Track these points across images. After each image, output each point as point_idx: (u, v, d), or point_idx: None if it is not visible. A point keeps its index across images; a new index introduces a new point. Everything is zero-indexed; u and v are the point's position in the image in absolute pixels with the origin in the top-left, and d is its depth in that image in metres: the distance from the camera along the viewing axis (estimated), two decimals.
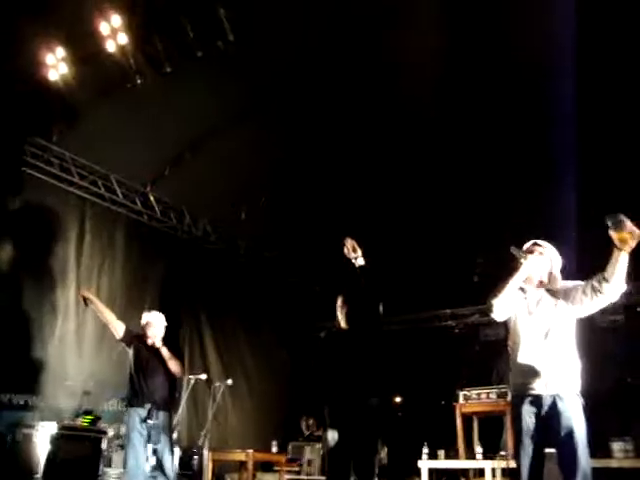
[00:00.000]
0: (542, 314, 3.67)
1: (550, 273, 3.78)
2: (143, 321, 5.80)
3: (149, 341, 5.64)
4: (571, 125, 7.22)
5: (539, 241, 3.83)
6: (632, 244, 3.22)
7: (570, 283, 3.73)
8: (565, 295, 3.65)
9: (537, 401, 3.52)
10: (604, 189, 8.25)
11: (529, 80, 7.26)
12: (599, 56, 6.67)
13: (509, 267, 3.72)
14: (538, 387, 3.53)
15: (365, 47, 6.97)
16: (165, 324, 5.79)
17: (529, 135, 8.09)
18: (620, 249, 3.26)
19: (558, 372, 3.53)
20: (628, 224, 3.21)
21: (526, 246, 3.81)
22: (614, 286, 3.40)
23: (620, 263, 3.31)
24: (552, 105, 7.20)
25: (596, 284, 3.47)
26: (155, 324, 5.74)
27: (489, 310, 3.66)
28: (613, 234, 3.24)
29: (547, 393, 3.50)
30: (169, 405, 5.69)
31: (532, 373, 3.54)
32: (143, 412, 5.42)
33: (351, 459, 4.27)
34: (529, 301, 3.72)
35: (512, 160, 8.51)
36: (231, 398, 9.64)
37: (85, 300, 5.71)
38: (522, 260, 3.64)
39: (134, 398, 5.51)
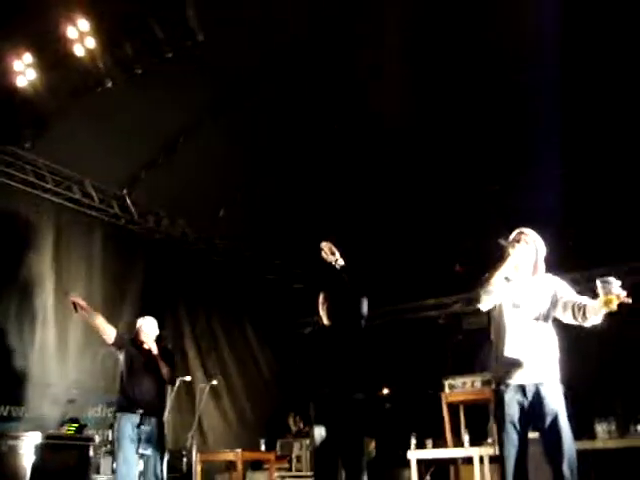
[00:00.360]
0: (527, 304, 3.69)
1: (535, 262, 3.80)
2: (137, 325, 5.76)
3: (145, 346, 5.61)
4: (551, 107, 7.28)
5: (525, 229, 3.84)
6: (615, 306, 3.32)
7: (559, 285, 3.75)
8: (552, 297, 3.70)
9: (521, 390, 3.55)
10: (586, 173, 8.34)
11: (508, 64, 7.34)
12: (576, 49, 6.75)
13: (495, 257, 3.73)
14: (522, 376, 3.56)
15: (337, 42, 6.97)
16: (157, 330, 5.77)
17: (509, 125, 8.14)
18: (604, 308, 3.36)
19: (541, 362, 3.57)
20: (615, 288, 3.31)
21: (512, 235, 3.82)
22: (590, 323, 3.54)
23: (601, 313, 3.43)
24: (531, 86, 7.29)
25: (576, 312, 3.56)
26: (147, 329, 5.71)
27: (477, 300, 3.67)
28: (601, 295, 3.33)
29: (530, 382, 3.54)
30: (160, 410, 5.64)
31: (516, 363, 3.57)
32: (135, 417, 5.37)
33: (338, 455, 4.29)
34: (514, 291, 3.73)
35: (491, 149, 8.57)
36: (216, 398, 9.60)
37: (75, 306, 5.64)
38: (509, 250, 3.65)
39: (125, 403, 5.45)
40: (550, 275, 3.84)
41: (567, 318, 3.64)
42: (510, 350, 3.61)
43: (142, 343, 5.63)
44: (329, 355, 4.50)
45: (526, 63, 7.11)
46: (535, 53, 6.81)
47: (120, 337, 5.67)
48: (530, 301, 3.70)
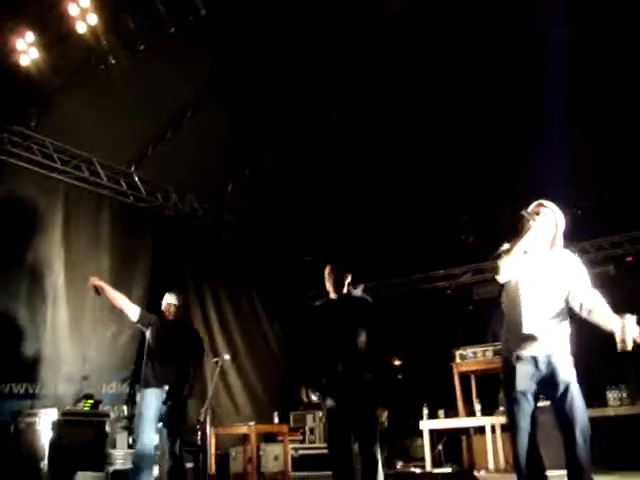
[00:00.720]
0: (543, 278, 3.63)
1: (554, 236, 3.70)
2: (165, 302, 5.79)
3: (168, 322, 5.68)
4: (559, 79, 7.21)
5: (544, 201, 3.71)
6: (629, 348, 3.33)
7: (576, 270, 3.68)
8: (567, 276, 3.64)
9: (533, 361, 3.54)
10: (592, 143, 8.26)
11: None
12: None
13: (515, 228, 3.66)
14: (534, 349, 3.54)
15: (339, 16, 6.93)
16: (176, 303, 5.81)
17: (514, 94, 8.07)
18: (619, 346, 3.36)
19: (554, 335, 3.56)
20: (632, 329, 3.31)
21: (531, 207, 3.70)
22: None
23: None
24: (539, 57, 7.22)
25: (582, 309, 3.57)
26: (169, 304, 5.75)
27: (496, 272, 3.59)
28: (618, 334, 3.34)
29: (542, 354, 3.53)
30: (183, 388, 5.64)
31: (530, 337, 3.54)
32: (160, 393, 5.40)
33: (351, 428, 4.31)
34: (532, 264, 3.65)
35: (495, 118, 8.51)
36: (228, 373, 9.66)
37: (96, 289, 5.64)
38: (531, 222, 3.55)
39: (151, 379, 5.47)
40: (568, 252, 3.76)
41: (572, 304, 3.62)
42: (524, 323, 3.56)
43: (170, 319, 5.70)
44: (337, 331, 4.48)
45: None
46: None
47: (145, 314, 5.70)
48: (546, 276, 3.63)
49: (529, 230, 3.55)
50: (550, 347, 3.53)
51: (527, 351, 3.55)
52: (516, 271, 3.61)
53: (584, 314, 3.57)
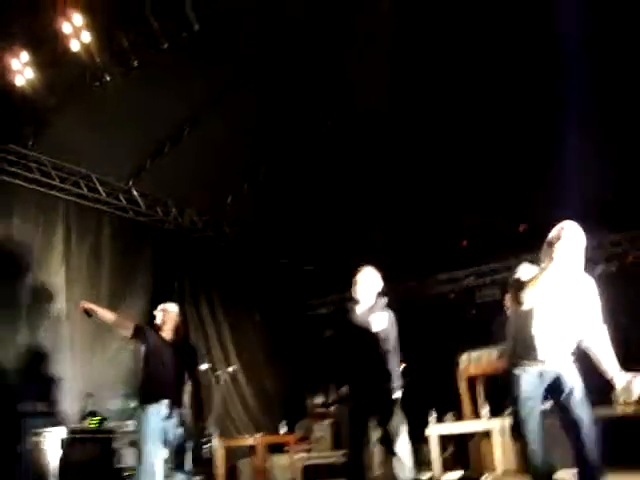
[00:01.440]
0: (559, 302, 3.62)
1: (576, 258, 3.63)
2: (161, 314, 5.70)
3: (164, 334, 5.61)
4: (557, 83, 7.22)
5: (567, 224, 3.62)
6: (631, 409, 3.43)
7: (590, 298, 3.69)
8: (582, 302, 3.66)
9: (539, 373, 3.57)
10: (597, 143, 8.25)
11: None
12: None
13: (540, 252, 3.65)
14: (542, 365, 3.57)
15: (330, 23, 6.95)
16: (173, 310, 5.75)
17: (514, 101, 8.08)
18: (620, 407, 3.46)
19: (563, 349, 3.61)
20: (636, 388, 3.43)
21: (554, 231, 3.62)
22: None
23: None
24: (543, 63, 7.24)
25: (584, 339, 3.64)
26: (171, 315, 5.71)
27: (520, 302, 3.54)
28: (621, 396, 3.54)
29: (550, 364, 3.56)
30: (183, 400, 5.60)
31: (539, 356, 3.57)
32: (160, 408, 5.33)
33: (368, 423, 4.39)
34: (552, 286, 3.60)
35: (494, 121, 8.52)
36: (231, 385, 9.62)
37: (87, 312, 5.62)
38: (554, 249, 3.49)
39: (150, 394, 5.40)
40: (587, 277, 3.74)
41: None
42: (534, 344, 3.58)
43: (164, 331, 5.64)
44: (362, 341, 4.49)
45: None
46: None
47: (139, 329, 5.63)
48: (562, 300, 3.62)
49: (553, 260, 3.49)
50: (558, 359, 3.56)
51: (535, 368, 3.57)
52: (538, 297, 3.58)
53: (584, 344, 3.63)
